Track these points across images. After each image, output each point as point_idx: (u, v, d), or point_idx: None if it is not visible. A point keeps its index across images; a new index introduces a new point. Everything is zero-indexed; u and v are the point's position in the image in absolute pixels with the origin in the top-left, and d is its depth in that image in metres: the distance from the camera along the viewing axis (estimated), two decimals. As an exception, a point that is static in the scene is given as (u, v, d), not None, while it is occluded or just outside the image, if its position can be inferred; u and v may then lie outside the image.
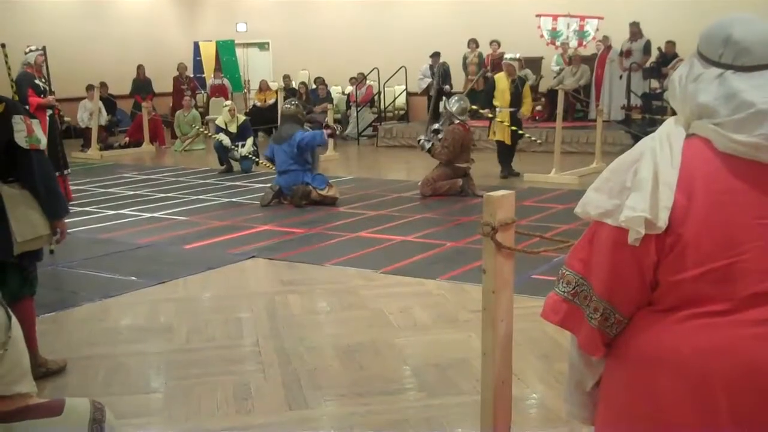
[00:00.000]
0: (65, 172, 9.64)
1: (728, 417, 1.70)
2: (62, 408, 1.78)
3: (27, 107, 9.17)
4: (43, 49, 10.16)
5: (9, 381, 1.76)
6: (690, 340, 1.74)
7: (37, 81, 9.92)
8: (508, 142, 12.09)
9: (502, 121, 11.85)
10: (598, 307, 1.85)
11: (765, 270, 1.71)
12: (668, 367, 1.75)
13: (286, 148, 9.87)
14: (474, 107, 11.64)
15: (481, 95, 13.02)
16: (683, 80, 1.85)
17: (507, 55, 12.48)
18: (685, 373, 1.73)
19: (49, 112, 9.68)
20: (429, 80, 17.50)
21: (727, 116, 1.74)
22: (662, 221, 1.71)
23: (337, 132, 10.50)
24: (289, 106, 10.39)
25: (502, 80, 12.06)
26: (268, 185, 10.37)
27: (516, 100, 11.92)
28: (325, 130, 10.32)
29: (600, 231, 1.84)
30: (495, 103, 11.96)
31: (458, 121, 10.62)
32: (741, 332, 1.70)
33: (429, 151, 10.73)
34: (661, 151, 1.77)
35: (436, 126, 11.06)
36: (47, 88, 9.97)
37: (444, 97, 14.35)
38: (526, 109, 12.19)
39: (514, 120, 11.96)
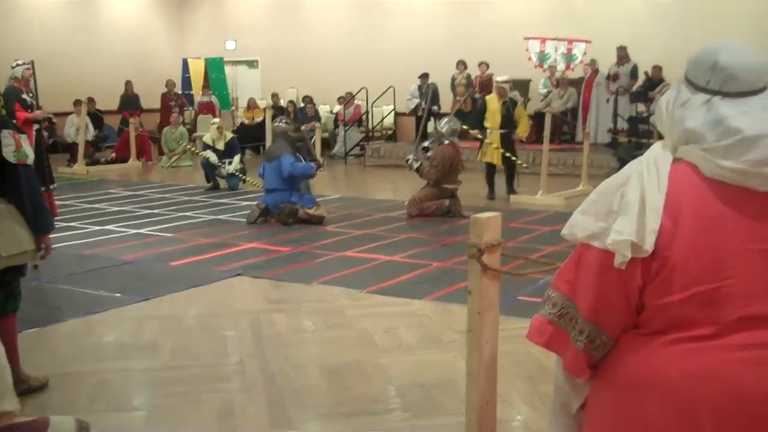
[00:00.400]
0: (51, 187, 9.57)
1: None
2: (47, 426, 1.77)
3: (14, 122, 9.12)
4: (31, 63, 10.16)
5: None
6: (676, 363, 1.74)
7: (24, 96, 9.88)
8: (498, 163, 12.12)
9: (491, 143, 11.90)
10: (584, 329, 1.86)
11: (750, 295, 1.72)
12: (655, 390, 1.76)
13: (275, 167, 9.87)
14: (465, 127, 11.67)
15: (471, 116, 13.06)
16: (671, 105, 1.87)
17: (498, 78, 12.56)
18: (671, 396, 1.74)
19: (36, 126, 9.61)
20: (417, 101, 17.59)
21: (715, 142, 1.76)
22: (648, 245, 1.73)
23: (322, 168, 10.54)
24: (279, 124, 10.40)
25: (493, 101, 12.12)
26: (255, 203, 10.37)
27: (507, 122, 11.96)
28: (313, 164, 10.29)
29: (586, 253, 1.85)
30: (486, 124, 12.01)
31: (448, 142, 10.65)
32: (727, 356, 1.72)
33: (417, 170, 10.74)
34: (648, 175, 1.79)
35: (425, 144, 11.10)
36: (34, 103, 9.94)
37: (433, 118, 14.41)
38: (522, 130, 12.15)
39: (505, 142, 11.96)
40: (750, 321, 1.72)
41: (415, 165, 10.80)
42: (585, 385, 1.95)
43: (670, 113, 1.87)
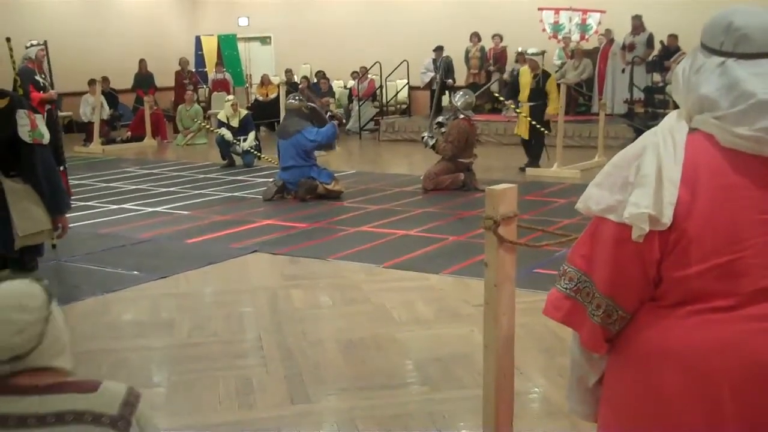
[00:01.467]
0: (61, 167, 9.66)
1: (733, 411, 1.70)
2: (98, 386, 1.85)
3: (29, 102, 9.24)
4: (44, 43, 10.20)
5: (48, 355, 1.83)
6: (695, 335, 1.73)
7: (37, 77, 9.97)
8: (525, 136, 12.14)
9: (523, 114, 11.89)
10: (601, 303, 1.84)
11: (767, 265, 1.70)
12: (673, 362, 1.75)
13: (293, 143, 9.86)
14: (500, 98, 11.68)
15: (507, 88, 13.03)
16: (686, 72, 1.84)
17: (529, 50, 12.46)
18: (690, 368, 1.73)
19: (48, 107, 9.65)
20: (432, 74, 17.49)
21: (728, 108, 1.72)
22: (667, 218, 1.70)
23: (343, 120, 10.48)
24: (292, 101, 10.36)
25: (525, 74, 12.18)
26: (271, 180, 10.37)
27: (536, 95, 11.89)
28: (334, 121, 10.29)
29: (602, 227, 1.82)
30: (519, 97, 12.05)
31: (463, 116, 10.61)
32: (746, 327, 1.70)
33: (433, 147, 10.71)
34: (665, 146, 1.76)
35: (439, 119, 11.05)
36: (47, 84, 10.02)
37: (448, 91, 14.37)
38: (553, 108, 11.88)
39: (535, 115, 11.89)
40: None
41: (431, 142, 10.75)
42: (602, 360, 1.93)
43: (686, 81, 1.84)
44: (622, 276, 1.80)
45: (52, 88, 10.03)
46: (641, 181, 1.74)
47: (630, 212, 1.73)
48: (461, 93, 11.03)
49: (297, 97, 10.55)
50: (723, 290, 1.71)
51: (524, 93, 12.03)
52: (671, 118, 1.84)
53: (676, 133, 1.79)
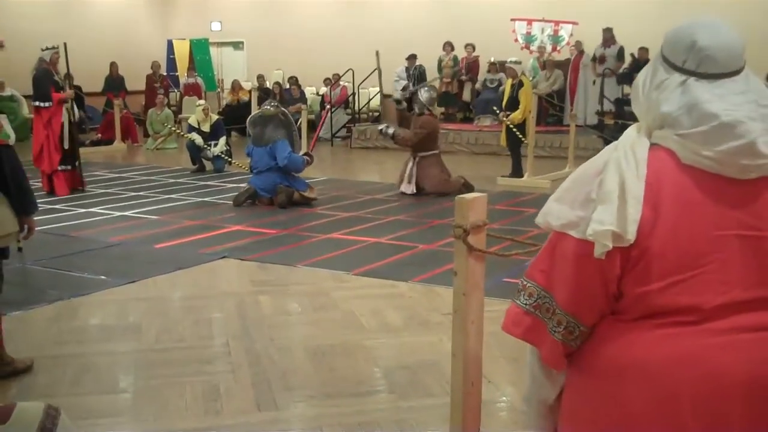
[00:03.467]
0: (76, 164, 10.84)
1: (695, 425, 1.71)
2: (10, 414, 1.71)
3: (50, 103, 10.21)
4: (64, 45, 10.97)
5: None
6: (657, 349, 1.74)
7: (56, 77, 10.54)
8: (503, 144, 12.31)
9: (508, 123, 12.01)
10: (562, 320, 1.83)
11: (728, 281, 1.72)
12: (635, 375, 1.75)
13: (268, 151, 9.82)
14: (497, 111, 12.01)
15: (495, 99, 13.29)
16: (647, 86, 1.84)
17: (510, 59, 12.58)
18: (651, 381, 1.73)
19: (66, 105, 10.54)
20: (405, 82, 17.52)
21: (691, 128, 1.73)
22: (631, 234, 1.70)
23: (312, 161, 10.47)
24: (268, 107, 10.27)
25: (507, 83, 12.34)
26: (243, 185, 10.32)
27: (512, 104, 11.96)
28: (306, 158, 10.20)
29: (563, 242, 1.81)
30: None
31: (428, 112, 10.78)
32: (707, 342, 1.71)
33: (393, 136, 10.83)
34: (626, 162, 1.75)
35: (397, 96, 11.13)
36: (65, 84, 10.75)
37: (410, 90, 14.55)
38: (515, 116, 11.85)
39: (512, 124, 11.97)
40: (729, 307, 1.72)
41: (390, 131, 10.87)
42: (561, 375, 1.93)
43: (646, 95, 1.84)
44: (584, 292, 1.79)
45: (71, 88, 10.86)
46: (604, 197, 1.74)
47: (594, 229, 1.72)
48: (425, 88, 11.15)
49: (273, 104, 10.46)
50: (684, 305, 1.72)
51: (505, 102, 12.16)
52: (631, 132, 1.83)
53: (637, 148, 1.78)
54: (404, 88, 17.02)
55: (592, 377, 1.83)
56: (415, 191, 10.59)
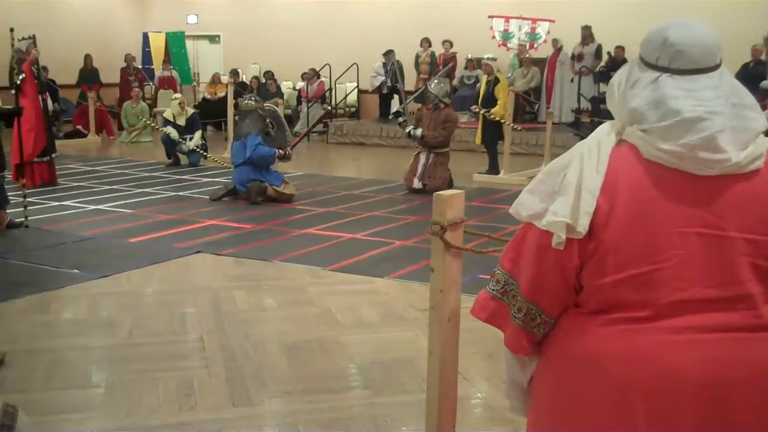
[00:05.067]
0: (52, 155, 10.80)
1: (644, 421, 1.73)
2: None
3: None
4: (33, 37, 10.98)
5: None
6: (611, 344, 1.77)
7: (33, 67, 10.37)
8: (477, 142, 12.32)
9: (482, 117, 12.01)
10: (522, 306, 1.89)
11: (686, 278, 1.73)
12: (589, 369, 1.79)
13: (243, 144, 9.76)
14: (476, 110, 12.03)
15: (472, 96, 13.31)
16: (622, 85, 1.86)
17: (486, 55, 12.56)
18: (605, 376, 1.76)
19: (42, 97, 10.39)
20: (382, 78, 17.53)
21: (655, 122, 1.75)
22: (582, 227, 1.74)
23: (286, 155, 10.27)
24: (249, 101, 10.20)
25: (483, 80, 12.31)
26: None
27: (487, 100, 11.94)
28: (279, 151, 10.10)
29: (529, 233, 1.86)
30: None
31: (444, 104, 10.56)
32: (662, 339, 1.73)
33: (422, 137, 10.43)
34: (589, 157, 1.79)
35: (398, 109, 10.85)
36: (40, 75, 10.66)
37: (398, 95, 14.47)
38: (497, 110, 11.82)
39: (486, 120, 11.92)
40: (686, 304, 1.73)
41: (419, 133, 10.45)
42: (532, 362, 1.99)
43: (622, 93, 1.85)
44: (543, 281, 1.84)
45: (49, 79, 10.98)
46: (563, 190, 1.79)
47: (548, 220, 1.77)
48: (436, 81, 10.89)
49: (254, 98, 10.37)
50: (640, 300, 1.74)
51: (480, 98, 12.15)
52: (602, 129, 1.87)
53: (602, 144, 1.82)
54: (381, 86, 17.07)
55: (552, 366, 1.89)
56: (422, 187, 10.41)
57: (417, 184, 10.48)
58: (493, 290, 1.95)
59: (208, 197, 9.93)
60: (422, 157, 10.57)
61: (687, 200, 1.73)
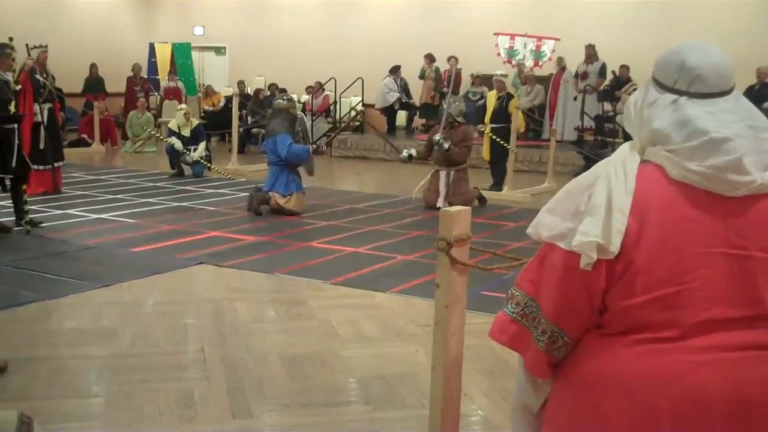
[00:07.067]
0: (56, 164, 10.71)
1: None
2: None
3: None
4: (46, 46, 10.90)
5: None
6: (637, 364, 1.75)
7: (37, 75, 10.28)
8: (486, 157, 12.38)
9: (490, 135, 12.04)
10: (546, 329, 1.86)
11: (711, 298, 1.73)
12: (615, 390, 1.76)
13: (270, 144, 9.81)
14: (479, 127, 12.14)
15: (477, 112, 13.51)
16: (639, 105, 1.87)
17: (497, 72, 12.64)
18: (631, 396, 1.74)
19: (49, 105, 10.36)
20: (396, 94, 17.62)
21: (681, 143, 1.76)
22: (614, 246, 1.72)
23: (320, 149, 10.28)
24: (281, 101, 10.20)
25: (491, 97, 12.40)
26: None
27: (498, 117, 11.99)
28: (311, 146, 10.12)
29: (551, 253, 1.84)
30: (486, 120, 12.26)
31: (459, 123, 10.56)
32: (688, 359, 1.72)
33: (448, 150, 10.31)
34: (616, 176, 1.79)
35: (438, 137, 10.61)
36: (47, 83, 10.46)
37: (407, 111, 14.43)
38: (519, 125, 11.87)
39: (498, 136, 11.94)
40: (712, 324, 1.73)
41: (446, 145, 10.25)
42: (546, 385, 1.95)
43: (638, 113, 1.86)
44: (569, 303, 1.82)
45: (57, 89, 10.84)
46: (591, 210, 1.77)
47: (579, 240, 1.75)
48: (453, 101, 10.83)
49: (285, 98, 10.37)
50: (666, 321, 1.74)
51: (488, 115, 12.18)
52: (624, 149, 1.87)
53: (628, 164, 1.81)
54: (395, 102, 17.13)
55: (574, 389, 1.86)
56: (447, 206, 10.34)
57: (441, 203, 10.21)
58: (512, 312, 1.91)
59: (246, 210, 9.81)
60: (442, 176, 10.46)
61: (713, 220, 1.74)
